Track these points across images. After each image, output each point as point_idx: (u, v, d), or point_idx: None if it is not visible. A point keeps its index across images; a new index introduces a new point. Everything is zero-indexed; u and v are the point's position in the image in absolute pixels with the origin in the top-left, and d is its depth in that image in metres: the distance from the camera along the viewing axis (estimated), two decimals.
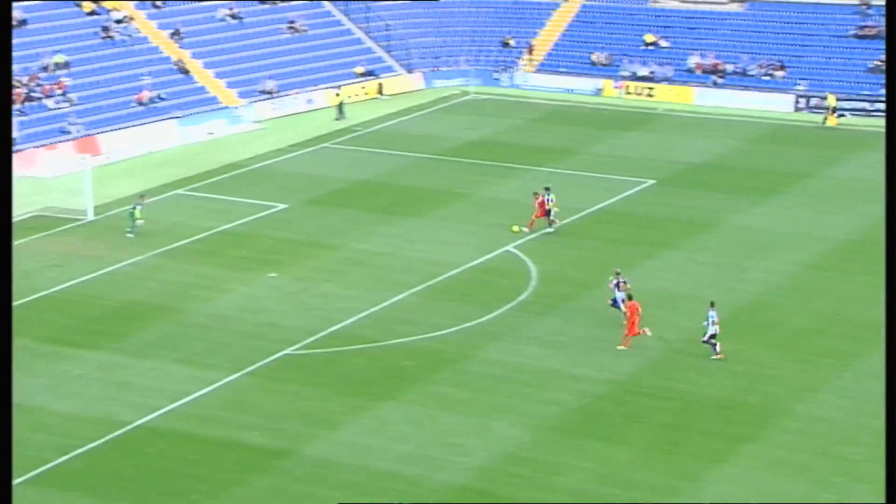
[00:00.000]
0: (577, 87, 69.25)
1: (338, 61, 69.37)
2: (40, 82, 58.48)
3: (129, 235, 44.72)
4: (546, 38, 73.39)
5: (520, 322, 37.85)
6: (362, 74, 69.17)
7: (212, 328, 37.59)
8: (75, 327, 37.48)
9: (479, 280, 41.50)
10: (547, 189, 46.15)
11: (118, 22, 64.23)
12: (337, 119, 63.12)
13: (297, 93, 65.87)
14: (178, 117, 60.85)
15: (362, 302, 39.52)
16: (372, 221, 47.36)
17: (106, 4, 65.02)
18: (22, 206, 48.14)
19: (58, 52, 60.59)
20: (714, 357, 34.94)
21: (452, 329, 37.28)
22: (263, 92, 65.15)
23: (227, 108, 63.14)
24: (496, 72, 71.53)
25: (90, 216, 47.16)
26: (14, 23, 60.67)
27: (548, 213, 45.67)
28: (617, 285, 37.39)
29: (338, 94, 64.61)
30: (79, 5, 64.30)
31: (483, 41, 74.03)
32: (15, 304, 38.45)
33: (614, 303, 37.20)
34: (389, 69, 70.77)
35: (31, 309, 38.72)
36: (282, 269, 42.31)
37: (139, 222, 44.83)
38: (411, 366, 35.00)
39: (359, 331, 37.27)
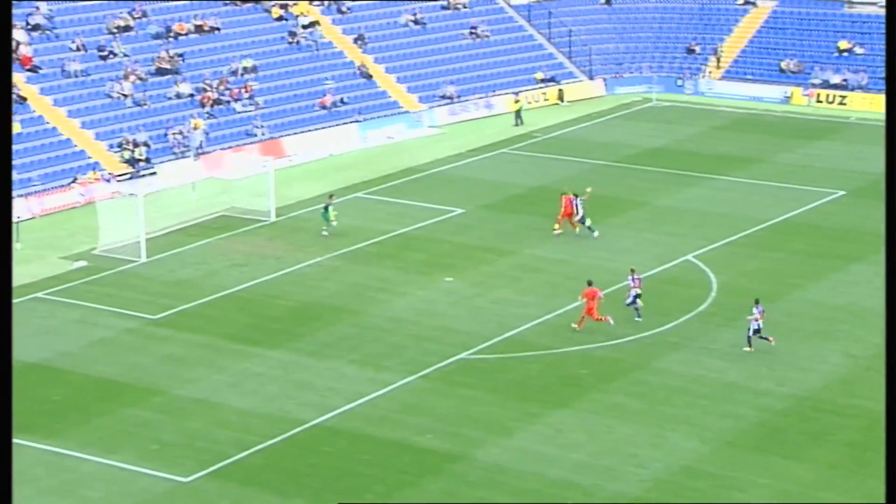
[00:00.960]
0: (765, 95, 67.95)
1: (518, 67, 69.48)
2: (229, 86, 60.24)
3: (324, 234, 45.80)
4: (733, 45, 72.10)
5: (699, 333, 37.44)
6: (543, 80, 69.17)
7: (388, 330, 38.05)
8: (256, 326, 38.32)
9: (656, 289, 41.08)
10: (576, 195, 45.90)
11: (305, 27, 65.70)
12: (515, 125, 63.19)
13: (477, 98, 66.27)
14: (359, 121, 61.81)
15: (538, 308, 39.56)
16: (548, 228, 47.34)
17: (293, 10, 66.55)
18: (208, 207, 49.72)
19: (246, 56, 62.27)
20: (746, 349, 35.38)
21: (629, 338, 37.06)
22: (444, 97, 65.75)
23: (407, 112, 63.90)
24: (680, 78, 70.67)
25: (272, 217, 48.32)
26: (206, 28, 62.79)
27: (576, 216, 45.58)
28: (634, 280, 37.93)
29: (517, 101, 64.66)
30: (268, 11, 65.97)
31: (667, 47, 73.21)
32: (201, 301, 40.26)
33: (630, 299, 37.74)
34: (570, 75, 70.61)
35: (216, 307, 39.88)
36: (458, 273, 42.64)
37: (333, 223, 45.76)
38: (586, 374, 34.93)
39: (534, 338, 37.36)
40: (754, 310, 35.81)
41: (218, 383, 34.46)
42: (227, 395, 33.80)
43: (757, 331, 35.65)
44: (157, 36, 61.37)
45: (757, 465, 29.97)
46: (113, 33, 60.16)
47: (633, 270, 38.51)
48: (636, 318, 37.75)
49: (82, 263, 43.71)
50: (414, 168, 55.76)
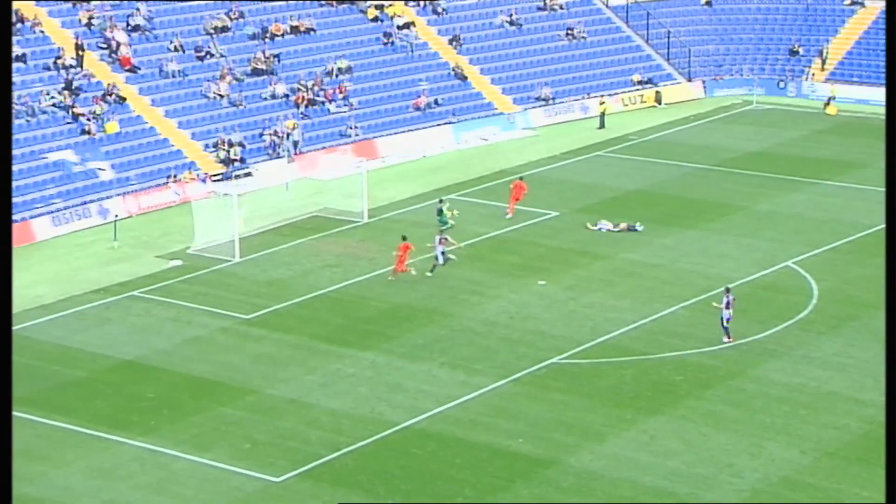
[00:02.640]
0: (872, 98, 66.52)
1: (615, 68, 69.10)
2: (324, 87, 60.78)
3: (444, 231, 46.03)
4: (839, 46, 70.93)
5: (799, 341, 37.04)
6: (640, 82, 68.72)
7: (480, 333, 38.09)
8: (348, 327, 38.59)
9: (755, 296, 40.72)
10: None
11: (400, 28, 66.07)
12: (599, 128, 62.77)
13: (572, 100, 66.07)
14: (453, 123, 61.99)
15: (632, 313, 39.44)
16: (645, 231, 47.16)
17: (389, 11, 66.93)
18: (302, 207, 50.09)
19: (341, 57, 62.78)
20: (725, 340, 35.96)
21: (726, 345, 36.73)
22: (539, 99, 65.65)
23: (501, 114, 63.93)
24: (782, 81, 69.75)
25: (365, 218, 48.72)
26: (302, 29, 63.45)
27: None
28: (440, 241, 41.93)
29: (602, 104, 64.12)
30: (363, 12, 66.44)
31: (769, 49, 72.28)
32: (293, 301, 40.36)
33: (438, 259, 41.97)
34: (668, 77, 70.04)
35: (308, 307, 40.23)
36: (551, 276, 42.62)
37: (451, 221, 46.25)
38: (682, 381, 34.70)
39: (628, 342, 37.21)
40: (724, 299, 36.08)
41: (310, 383, 34.74)
42: (319, 395, 34.08)
43: (728, 320, 35.90)
44: (253, 37, 62.13)
45: (861, 477, 29.46)
46: (210, 34, 61.03)
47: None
48: (427, 274, 41.81)
49: (177, 262, 44.29)
50: (508, 170, 55.67)
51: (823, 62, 69.97)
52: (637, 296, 40.90)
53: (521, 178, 50.01)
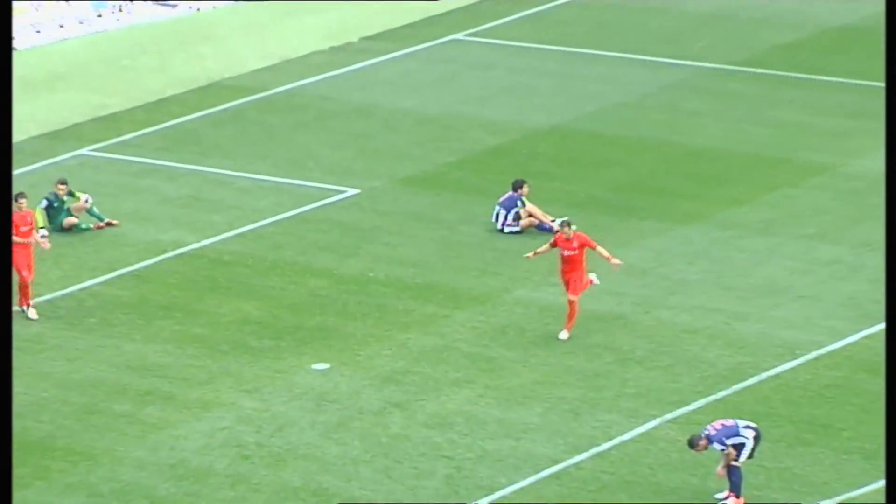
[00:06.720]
0: None
1: None
2: None
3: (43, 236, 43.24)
4: None
5: None
6: None
7: (168, 497, 33.26)
8: None
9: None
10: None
11: None
12: None
13: None
14: None
15: (551, 434, 34.73)
16: (604, 225, 42.63)
17: None
18: None
19: None
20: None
21: None
22: None
23: None
24: None
25: None
26: None
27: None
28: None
29: None
30: None
31: None
32: None
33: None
34: None
35: None
36: (343, 351, 38.12)
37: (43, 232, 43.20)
38: None
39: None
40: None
41: None
42: None
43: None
44: None
45: None
46: None
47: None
48: None
49: None
50: (222, 83, 52.76)
51: None
52: (564, 395, 36.26)
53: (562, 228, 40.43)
